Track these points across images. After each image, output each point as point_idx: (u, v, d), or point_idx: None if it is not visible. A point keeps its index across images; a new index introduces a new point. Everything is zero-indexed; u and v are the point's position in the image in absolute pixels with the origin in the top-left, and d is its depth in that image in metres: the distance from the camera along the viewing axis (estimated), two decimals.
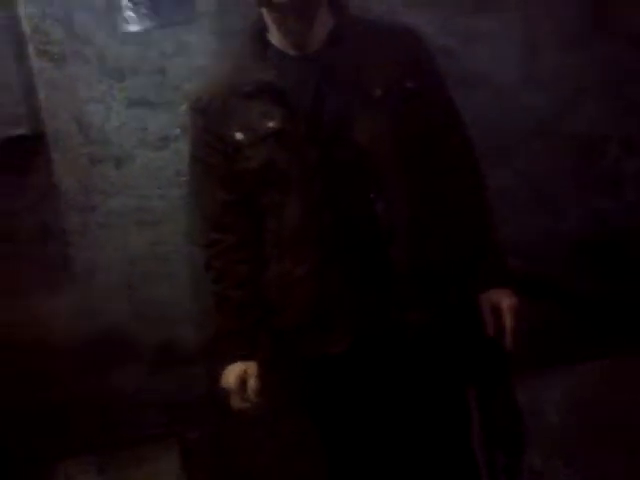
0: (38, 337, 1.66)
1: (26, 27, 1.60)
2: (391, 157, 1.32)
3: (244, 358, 1.38)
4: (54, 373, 1.67)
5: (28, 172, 1.64)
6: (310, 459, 1.60)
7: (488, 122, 1.65)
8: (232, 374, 1.37)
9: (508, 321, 1.36)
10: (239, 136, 1.33)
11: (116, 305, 1.68)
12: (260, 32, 1.39)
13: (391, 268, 1.31)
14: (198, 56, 1.63)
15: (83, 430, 1.68)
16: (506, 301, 1.37)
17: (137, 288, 1.68)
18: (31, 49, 1.61)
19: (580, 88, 1.65)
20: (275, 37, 1.36)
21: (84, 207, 1.66)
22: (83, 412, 1.68)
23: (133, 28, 1.62)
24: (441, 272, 1.36)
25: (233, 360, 1.38)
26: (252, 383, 1.36)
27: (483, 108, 1.64)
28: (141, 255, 1.67)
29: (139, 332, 1.68)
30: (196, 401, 1.69)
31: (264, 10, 1.35)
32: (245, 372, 1.37)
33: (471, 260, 1.39)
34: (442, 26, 1.63)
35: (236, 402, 1.37)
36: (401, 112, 1.34)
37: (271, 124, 1.30)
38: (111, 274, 1.68)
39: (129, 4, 1.61)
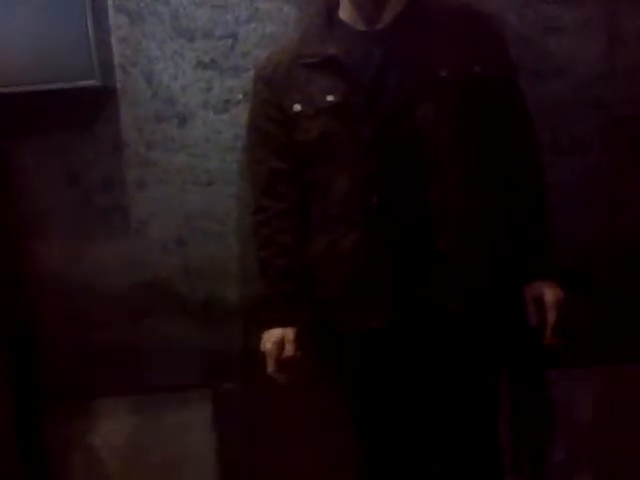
0: (87, 281, 1.73)
1: None
2: (450, 142, 1.31)
3: (283, 324, 1.42)
4: (98, 317, 1.74)
5: (96, 123, 1.69)
6: (337, 431, 1.62)
7: (559, 116, 1.61)
8: (270, 339, 1.42)
9: (550, 314, 1.35)
10: (298, 107, 1.36)
11: (165, 258, 1.74)
12: (331, 5, 1.40)
13: (437, 253, 1.31)
14: (271, 23, 1.65)
15: (121, 373, 1.76)
16: (550, 294, 1.36)
17: (187, 244, 1.74)
18: (110, 4, 1.66)
19: None
20: (345, 11, 1.37)
21: (145, 162, 1.71)
22: (123, 356, 1.75)
23: None
24: (487, 263, 1.36)
25: (273, 325, 1.43)
26: (289, 348, 1.40)
27: (556, 101, 1.61)
28: (194, 213, 1.73)
29: (185, 286, 1.74)
30: (233, 356, 1.75)
31: None
32: (283, 338, 1.41)
33: (520, 250, 1.38)
34: (523, 14, 1.59)
35: (271, 367, 1.41)
36: (465, 96, 1.32)
37: (331, 98, 1.32)
38: (164, 229, 1.73)
39: None
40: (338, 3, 1.39)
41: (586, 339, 1.65)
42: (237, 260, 1.73)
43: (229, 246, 1.73)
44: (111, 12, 1.67)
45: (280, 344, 1.41)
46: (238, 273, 1.73)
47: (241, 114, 1.65)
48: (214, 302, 1.74)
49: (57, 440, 1.77)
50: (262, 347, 1.43)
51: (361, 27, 1.36)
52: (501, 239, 1.37)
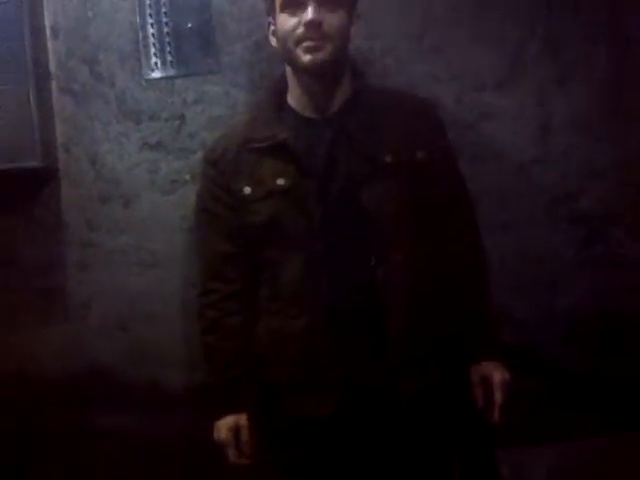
0: (24, 369, 1.64)
1: (52, 64, 1.64)
2: (395, 224, 1.34)
3: (235, 410, 1.38)
4: (35, 406, 1.64)
5: (36, 204, 1.65)
6: None
7: (497, 197, 1.67)
8: (224, 427, 1.38)
9: (497, 395, 1.36)
10: (247, 190, 1.36)
11: (108, 344, 1.66)
12: (279, 91, 1.43)
13: (386, 336, 1.31)
14: (217, 106, 1.66)
15: (59, 469, 1.65)
16: (497, 375, 1.37)
17: (132, 328, 1.67)
18: (54, 86, 1.65)
19: (592, 170, 1.67)
20: (294, 97, 1.40)
21: (87, 243, 1.66)
22: (61, 448, 1.65)
23: (156, 75, 1.66)
24: (436, 343, 1.37)
25: (224, 413, 1.38)
26: (245, 435, 1.37)
27: (493, 183, 1.66)
28: (139, 296, 1.67)
29: (128, 372, 1.66)
30: (178, 445, 1.66)
31: (288, 69, 1.39)
32: (237, 425, 1.37)
33: (465, 331, 1.40)
34: (460, 101, 1.66)
35: (232, 456, 1.37)
36: (409, 181, 1.36)
37: (281, 181, 1.33)
38: (107, 312, 1.67)
39: (155, 51, 1.66)
40: (287, 89, 1.42)
41: (530, 417, 1.65)
42: (183, 344, 1.67)
43: (175, 330, 1.67)
44: (55, 93, 1.66)
45: (234, 431, 1.37)
46: (184, 357, 1.67)
47: (188, 195, 1.64)
48: (158, 389, 1.67)
49: None
50: (216, 436, 1.38)
51: (309, 114, 1.39)
52: (446, 320, 1.38)
